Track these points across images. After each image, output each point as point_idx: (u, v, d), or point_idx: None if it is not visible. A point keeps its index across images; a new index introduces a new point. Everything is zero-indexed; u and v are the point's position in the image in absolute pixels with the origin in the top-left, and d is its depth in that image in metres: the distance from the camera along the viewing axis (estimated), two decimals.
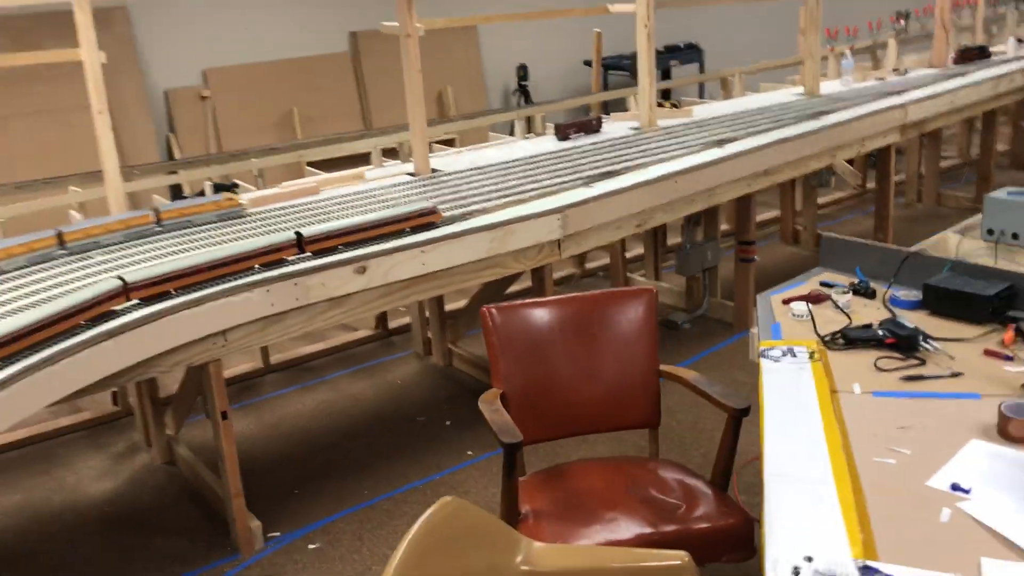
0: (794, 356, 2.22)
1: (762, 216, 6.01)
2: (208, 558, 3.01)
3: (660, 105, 4.99)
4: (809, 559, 1.46)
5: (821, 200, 6.37)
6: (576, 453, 3.35)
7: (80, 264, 2.94)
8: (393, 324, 4.76)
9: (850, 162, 5.11)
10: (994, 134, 6.11)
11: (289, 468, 3.55)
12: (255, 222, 3.32)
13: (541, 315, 2.55)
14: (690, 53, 8.41)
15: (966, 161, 7.29)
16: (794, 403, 1.99)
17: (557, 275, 4.90)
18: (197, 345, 2.71)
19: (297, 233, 2.87)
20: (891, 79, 5.80)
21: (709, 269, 4.62)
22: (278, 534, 3.11)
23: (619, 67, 7.96)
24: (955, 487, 1.64)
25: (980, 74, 5.76)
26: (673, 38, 8.74)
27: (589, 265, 5.48)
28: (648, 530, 2.11)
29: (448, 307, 4.49)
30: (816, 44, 5.29)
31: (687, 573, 1.69)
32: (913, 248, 2.95)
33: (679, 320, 4.60)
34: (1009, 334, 2.19)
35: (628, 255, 5.10)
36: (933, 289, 2.39)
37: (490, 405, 2.33)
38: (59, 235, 3.04)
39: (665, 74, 8.56)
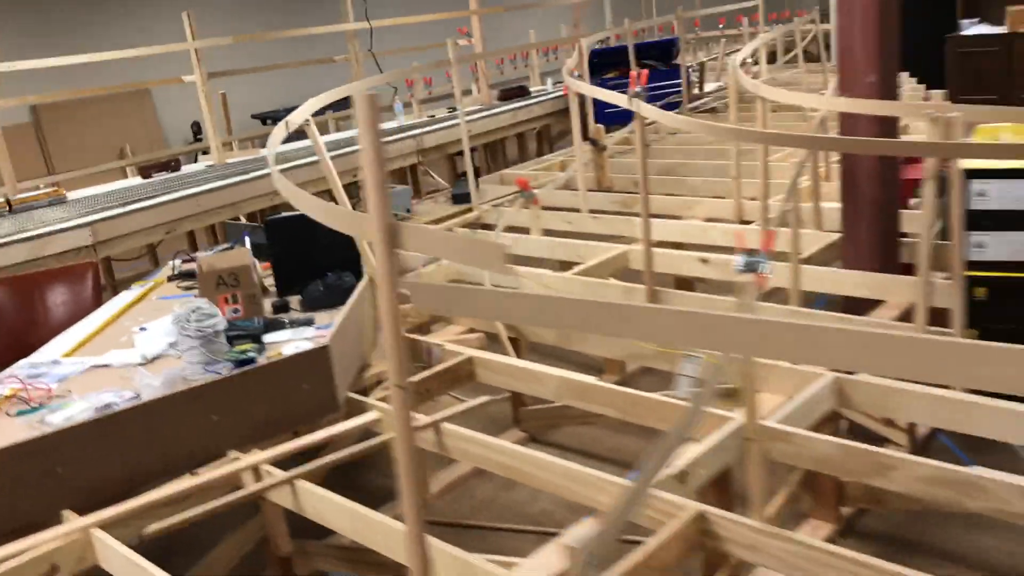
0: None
1: None
2: None
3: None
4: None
5: None
6: None
7: None
8: None
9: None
10: (525, 150, 8.15)
11: None
12: None
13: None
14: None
15: None
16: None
17: None
18: None
19: None
20: (440, 115, 7.69)
21: None
22: None
23: (276, 118, 9.61)
24: (142, 328, 3.27)
25: (506, 107, 7.74)
26: None
27: None
28: None
29: None
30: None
31: None
32: None
33: None
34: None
35: None
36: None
37: None
38: None
39: None
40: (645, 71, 3.93)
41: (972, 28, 9.65)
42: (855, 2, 3.10)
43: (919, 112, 2.64)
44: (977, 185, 2.41)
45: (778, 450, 2.32)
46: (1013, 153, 2.36)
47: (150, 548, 2.21)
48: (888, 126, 3.13)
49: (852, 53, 3.16)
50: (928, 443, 3.32)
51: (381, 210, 1.26)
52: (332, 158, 6.28)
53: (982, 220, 2.43)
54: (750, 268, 1.78)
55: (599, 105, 8.39)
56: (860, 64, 3.13)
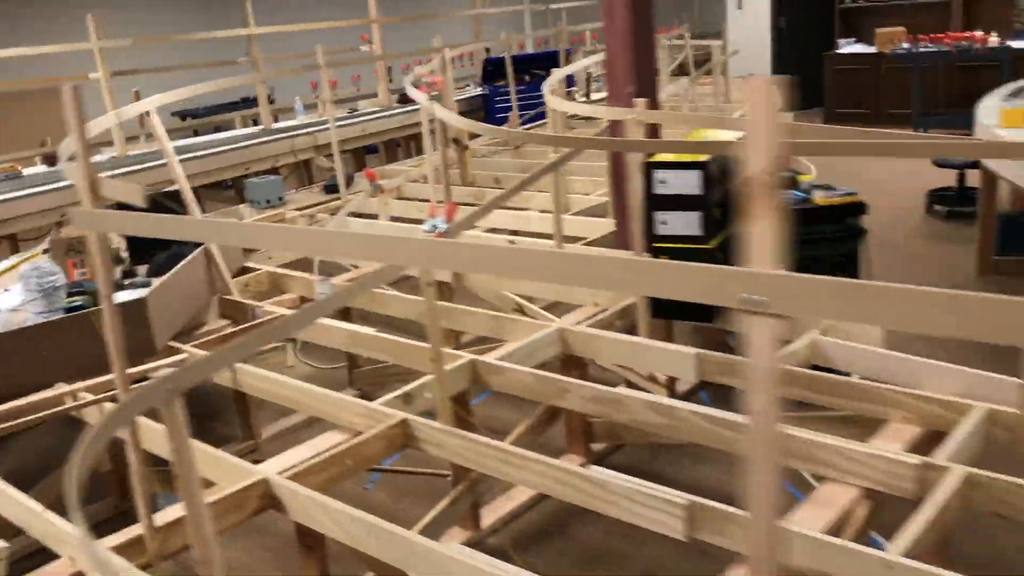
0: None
1: None
2: None
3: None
4: None
5: None
6: None
7: None
8: None
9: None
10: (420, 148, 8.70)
11: None
12: None
13: None
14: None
15: None
16: None
17: None
18: None
19: None
20: (341, 115, 8.23)
21: None
22: None
23: (195, 115, 10.09)
24: (6, 290, 3.78)
25: (402, 109, 8.31)
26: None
27: None
28: None
29: None
30: (264, 96, 7.63)
31: None
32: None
33: None
34: None
35: None
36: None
37: None
38: None
39: None
40: (439, 78, 4.53)
41: (847, 47, 10.44)
42: (616, 27, 3.73)
43: (626, 116, 3.26)
44: (659, 174, 3.02)
45: (495, 381, 2.91)
46: (686, 149, 2.99)
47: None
48: (646, 128, 3.75)
49: (615, 68, 3.78)
50: (688, 397, 3.97)
51: (85, 167, 1.83)
52: (228, 151, 6.82)
53: (663, 202, 3.04)
54: (432, 228, 2.37)
55: (491, 109, 9.04)
56: (621, 77, 3.76)
